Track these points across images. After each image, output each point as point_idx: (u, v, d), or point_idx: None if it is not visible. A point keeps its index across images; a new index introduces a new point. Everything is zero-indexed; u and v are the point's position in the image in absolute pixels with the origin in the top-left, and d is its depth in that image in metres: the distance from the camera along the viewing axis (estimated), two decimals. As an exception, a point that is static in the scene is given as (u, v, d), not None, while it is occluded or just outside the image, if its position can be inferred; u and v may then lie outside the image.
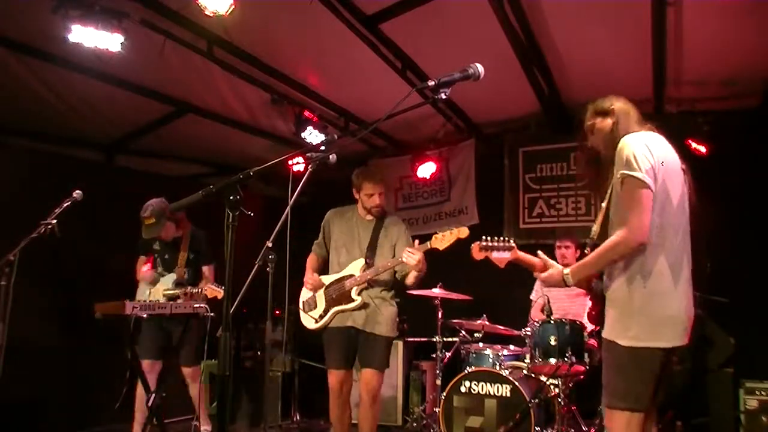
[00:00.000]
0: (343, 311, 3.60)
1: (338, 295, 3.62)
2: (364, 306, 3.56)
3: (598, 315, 2.31)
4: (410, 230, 3.83)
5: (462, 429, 4.08)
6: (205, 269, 4.29)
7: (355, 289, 3.56)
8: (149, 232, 4.07)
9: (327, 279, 3.72)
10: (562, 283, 2.32)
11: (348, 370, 3.61)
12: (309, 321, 3.71)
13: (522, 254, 2.60)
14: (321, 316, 3.65)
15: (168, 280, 4.21)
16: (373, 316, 3.57)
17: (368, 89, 4.73)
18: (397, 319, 3.74)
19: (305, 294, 3.82)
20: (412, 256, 3.36)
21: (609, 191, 2.28)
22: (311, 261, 3.86)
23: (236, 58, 4.08)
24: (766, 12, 3.49)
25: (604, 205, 2.32)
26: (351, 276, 3.59)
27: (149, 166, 5.98)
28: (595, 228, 2.37)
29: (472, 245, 2.66)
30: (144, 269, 4.31)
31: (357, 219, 3.75)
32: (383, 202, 3.69)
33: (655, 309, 2.11)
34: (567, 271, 2.31)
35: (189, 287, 3.96)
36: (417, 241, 3.45)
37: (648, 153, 2.13)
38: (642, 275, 2.12)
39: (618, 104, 2.35)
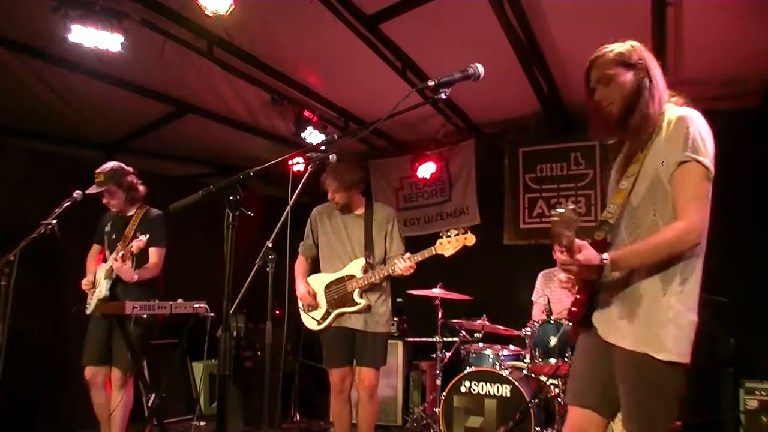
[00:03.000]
0: (345, 313, 3.59)
1: (340, 296, 3.60)
2: (366, 308, 3.56)
3: (584, 306, 1.95)
4: (411, 231, 3.83)
5: (462, 429, 4.08)
6: (153, 251, 3.71)
7: (357, 291, 3.55)
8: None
9: (325, 278, 3.69)
10: (595, 273, 1.84)
11: (349, 367, 3.62)
12: (311, 322, 3.69)
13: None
14: (323, 318, 3.63)
15: (109, 263, 3.68)
16: (371, 316, 3.58)
17: (368, 89, 4.72)
18: (392, 315, 3.69)
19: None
20: (402, 264, 3.36)
21: (637, 170, 1.87)
22: (300, 265, 3.82)
23: (236, 58, 4.07)
24: (766, 12, 3.48)
25: (624, 184, 1.90)
26: (352, 277, 3.58)
27: (149, 166, 5.95)
28: (615, 209, 1.91)
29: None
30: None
31: (345, 214, 3.72)
32: (338, 202, 3.64)
33: (689, 317, 1.80)
34: (607, 257, 1.80)
35: (119, 254, 3.49)
36: (409, 255, 3.41)
37: (711, 136, 1.78)
38: (682, 276, 1.78)
39: (650, 60, 1.91)
